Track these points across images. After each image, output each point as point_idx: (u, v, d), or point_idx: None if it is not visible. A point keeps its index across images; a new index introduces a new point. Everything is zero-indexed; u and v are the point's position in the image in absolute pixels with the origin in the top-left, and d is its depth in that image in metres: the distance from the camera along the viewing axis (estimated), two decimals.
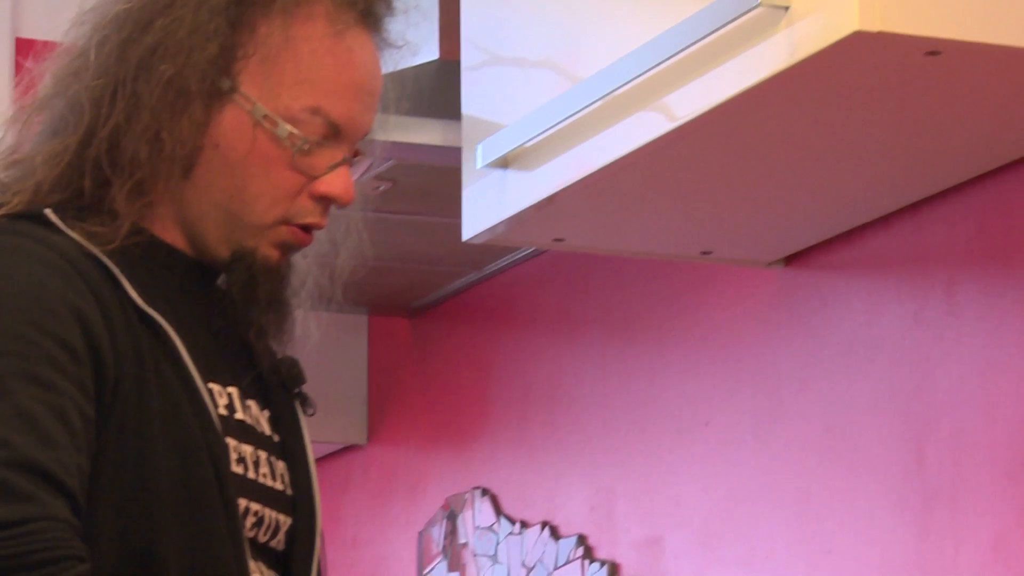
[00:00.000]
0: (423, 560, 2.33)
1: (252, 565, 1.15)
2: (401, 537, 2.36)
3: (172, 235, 1.15)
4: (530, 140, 1.57)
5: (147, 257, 1.13)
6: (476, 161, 1.61)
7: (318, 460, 1.29)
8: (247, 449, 1.16)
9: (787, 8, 1.29)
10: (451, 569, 2.28)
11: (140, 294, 1.10)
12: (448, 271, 2.26)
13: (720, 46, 1.35)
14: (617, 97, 1.47)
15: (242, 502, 1.14)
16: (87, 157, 1.12)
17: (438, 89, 1.84)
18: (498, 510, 2.19)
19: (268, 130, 1.14)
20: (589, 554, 1.99)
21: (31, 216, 1.11)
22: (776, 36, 1.30)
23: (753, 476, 1.79)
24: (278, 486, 1.18)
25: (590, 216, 1.70)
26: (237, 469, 1.14)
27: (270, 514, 1.17)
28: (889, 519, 1.54)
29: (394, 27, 1.24)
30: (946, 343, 1.55)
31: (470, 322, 2.36)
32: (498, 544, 2.19)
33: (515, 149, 1.58)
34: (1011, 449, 1.49)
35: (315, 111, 1.14)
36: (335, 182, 1.14)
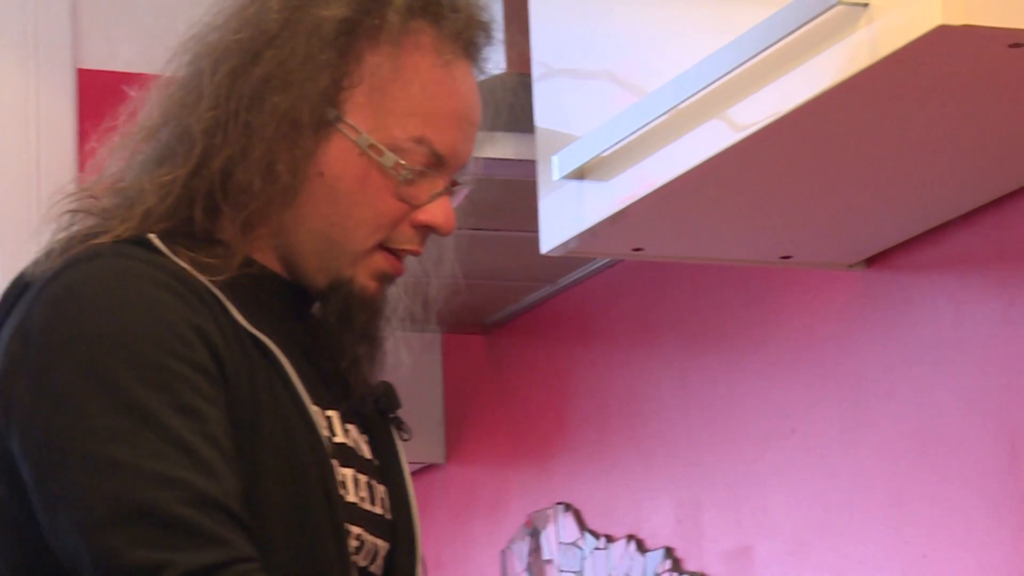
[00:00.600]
0: None
1: None
2: (484, 556, 2.36)
3: (271, 262, 1.17)
4: (606, 150, 1.56)
5: (254, 285, 1.15)
6: (553, 172, 1.61)
7: None
8: (348, 472, 1.17)
9: (866, 5, 1.27)
10: None
11: (246, 319, 1.12)
12: (522, 286, 2.27)
13: (798, 47, 1.34)
14: (694, 104, 1.46)
15: (350, 526, 1.15)
16: (198, 187, 1.14)
17: (507, 102, 1.87)
18: (582, 525, 2.17)
19: (374, 159, 1.15)
20: (677, 567, 1.98)
21: (137, 241, 1.12)
22: (856, 35, 1.28)
23: (842, 483, 1.77)
24: (378, 510, 1.19)
25: (669, 224, 1.69)
26: (343, 490, 1.16)
27: (370, 539, 1.18)
28: (984, 521, 1.52)
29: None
30: None
31: (545, 336, 2.35)
32: (583, 559, 2.17)
33: (591, 160, 1.57)
34: None
35: (420, 141, 1.15)
36: (437, 212, 1.16)
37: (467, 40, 1.21)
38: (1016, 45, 1.24)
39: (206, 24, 1.21)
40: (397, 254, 1.19)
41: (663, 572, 1.99)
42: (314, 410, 1.13)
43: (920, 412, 1.63)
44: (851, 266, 1.76)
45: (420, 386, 2.33)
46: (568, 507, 2.21)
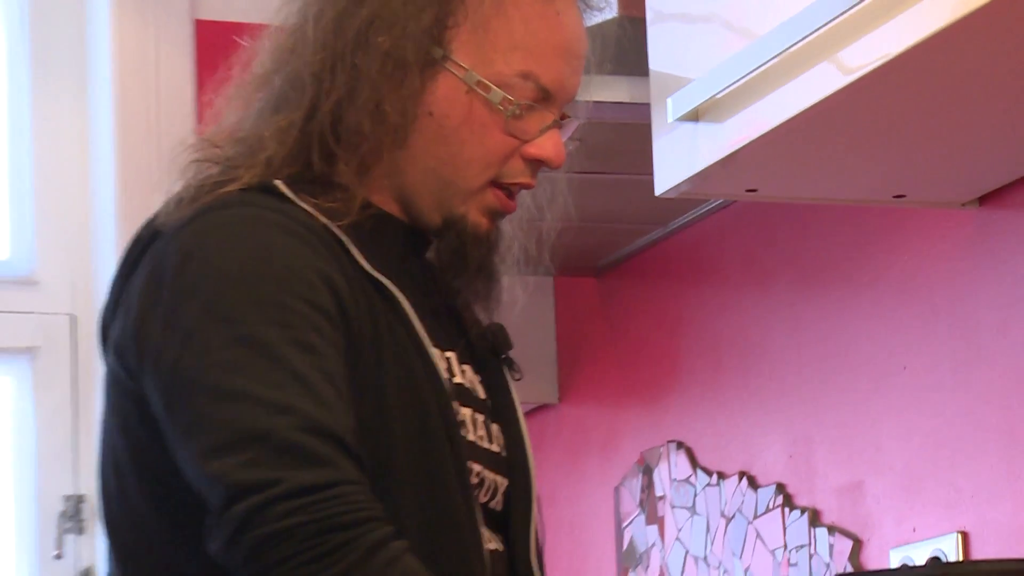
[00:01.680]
0: (620, 515, 2.36)
1: (479, 520, 1.18)
2: (597, 493, 2.38)
3: (389, 204, 1.18)
4: (720, 92, 1.56)
5: (374, 229, 1.16)
6: (667, 115, 1.60)
7: None
8: (466, 412, 1.18)
9: None
10: (649, 522, 2.29)
11: (366, 259, 1.14)
12: (634, 228, 2.26)
13: None
14: (805, 46, 1.46)
15: (470, 463, 1.17)
16: (312, 132, 1.16)
17: (620, 46, 1.86)
18: (694, 462, 2.19)
19: (481, 96, 1.16)
20: (789, 502, 1.99)
21: (263, 188, 1.14)
22: None
23: (954, 419, 1.78)
24: (495, 448, 1.20)
25: (782, 165, 1.69)
26: (463, 428, 1.18)
27: (490, 476, 1.19)
28: None
29: None
30: None
31: (657, 278, 2.35)
32: (695, 496, 2.19)
33: (705, 102, 1.58)
34: None
35: (526, 76, 1.16)
36: (546, 145, 1.17)
37: None
38: None
39: None
40: (509, 191, 1.20)
41: (775, 507, 2.00)
42: (434, 352, 1.14)
43: None
44: (964, 205, 1.75)
45: (533, 328, 2.35)
46: (680, 445, 2.23)
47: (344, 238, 1.13)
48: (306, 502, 1.04)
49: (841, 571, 1.95)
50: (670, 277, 2.34)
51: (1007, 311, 1.73)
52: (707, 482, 2.19)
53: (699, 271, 2.25)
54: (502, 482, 1.21)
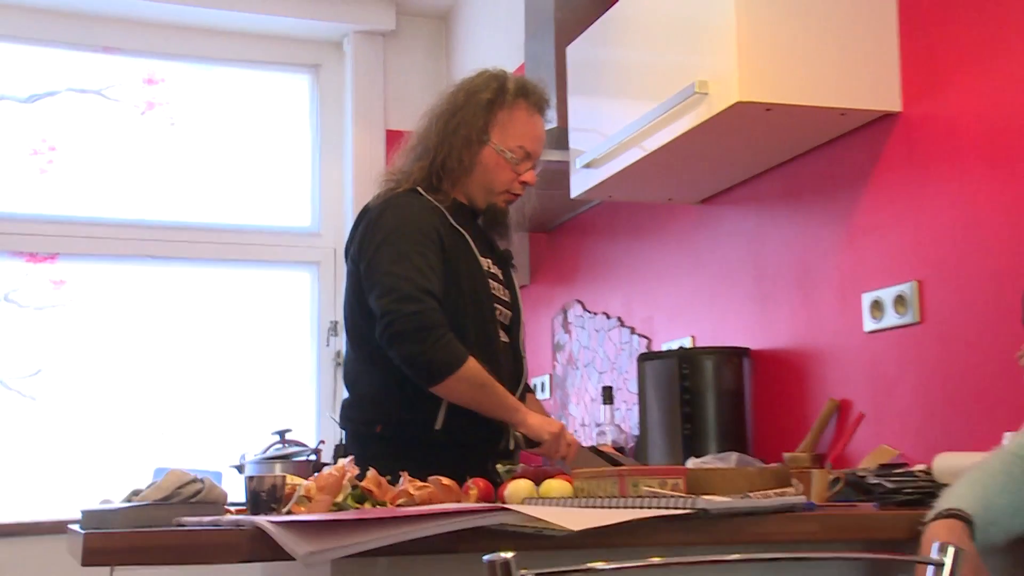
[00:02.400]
0: (554, 329, 3.32)
1: (499, 329, 1.95)
2: (544, 320, 3.39)
3: (462, 198, 1.96)
4: (595, 157, 2.51)
5: (455, 208, 1.94)
6: (576, 165, 2.55)
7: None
8: (496, 284, 1.97)
9: (705, 94, 2.04)
10: (565, 332, 3.29)
11: (454, 221, 1.90)
12: (562, 211, 3.26)
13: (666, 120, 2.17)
14: (628, 139, 2.29)
15: (495, 304, 1.93)
16: (433, 169, 1.95)
17: (556, 137, 2.83)
18: (585, 307, 3.25)
19: (503, 155, 1.93)
20: (622, 323, 3.06)
21: (411, 191, 1.92)
22: (697, 108, 2.12)
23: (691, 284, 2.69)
24: (506, 299, 1.98)
25: (621, 186, 2.59)
26: (493, 292, 1.94)
27: (503, 309, 1.97)
28: None
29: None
30: None
31: (573, 235, 3.36)
32: (585, 322, 3.21)
33: (590, 161, 2.51)
34: None
35: (521, 147, 1.96)
36: (529, 176, 1.99)
37: (541, 107, 2.00)
38: (768, 109, 2.05)
39: (433, 105, 2.01)
40: (514, 194, 1.95)
41: (615, 327, 3.00)
42: (481, 259, 1.89)
43: None
44: (697, 203, 2.57)
45: (520, 254, 3.05)
46: (578, 300, 3.22)
47: (445, 211, 1.85)
48: (409, 319, 1.78)
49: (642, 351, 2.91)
50: (578, 235, 3.42)
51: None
52: (589, 316, 3.31)
53: (591, 233, 3.34)
54: (508, 313, 1.98)
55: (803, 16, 2.15)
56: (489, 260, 2.04)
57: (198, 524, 1.26)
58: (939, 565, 0.98)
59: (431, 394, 1.89)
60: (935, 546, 1.00)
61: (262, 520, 1.15)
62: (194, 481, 1.33)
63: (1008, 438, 1.53)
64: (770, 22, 2.11)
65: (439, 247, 1.91)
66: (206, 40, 4.25)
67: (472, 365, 1.86)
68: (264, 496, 1.32)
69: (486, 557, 0.91)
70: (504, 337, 2.02)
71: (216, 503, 1.34)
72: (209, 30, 4.24)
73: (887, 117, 2.23)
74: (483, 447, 1.95)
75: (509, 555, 0.90)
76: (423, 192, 1.98)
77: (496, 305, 2.01)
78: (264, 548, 1.13)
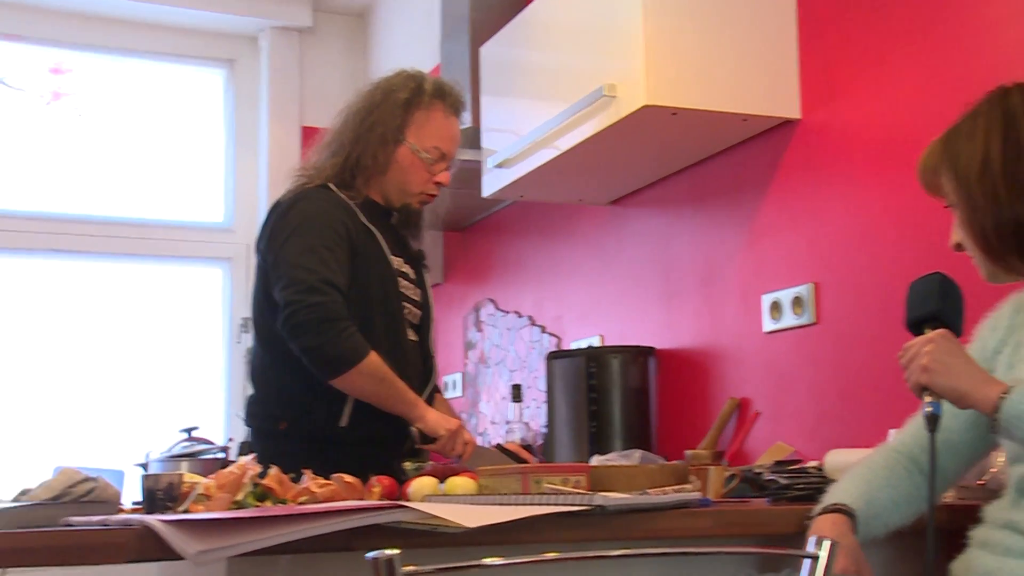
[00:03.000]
0: (466, 327, 3.35)
1: (407, 328, 1.98)
2: (456, 318, 3.40)
3: (376, 196, 1.98)
4: (507, 158, 2.51)
5: (367, 205, 1.95)
6: (488, 164, 2.65)
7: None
8: (406, 283, 1.98)
9: (614, 97, 2.09)
10: (477, 330, 3.32)
11: (365, 219, 1.90)
12: (474, 210, 3.29)
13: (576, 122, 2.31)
14: (540, 140, 2.34)
15: (404, 303, 1.96)
16: (346, 165, 1.98)
17: (469, 137, 2.85)
18: (497, 306, 3.24)
19: (418, 155, 1.95)
20: (533, 322, 3.13)
21: (322, 186, 1.95)
22: (606, 111, 2.15)
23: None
24: (417, 298, 2.01)
25: (533, 186, 2.65)
26: (403, 290, 1.96)
27: (412, 308, 1.99)
28: None
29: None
30: None
31: (484, 234, 3.37)
32: (497, 320, 3.26)
33: (502, 161, 2.61)
34: None
35: (437, 148, 2.00)
36: (443, 176, 2.03)
37: (457, 108, 2.04)
38: (674, 113, 2.14)
39: (350, 102, 2.03)
40: (428, 195, 1.99)
41: (527, 325, 3.04)
42: (391, 257, 1.90)
43: None
44: (608, 203, 2.62)
45: (433, 252, 3.20)
46: (491, 299, 3.24)
47: (355, 208, 1.85)
48: (312, 309, 1.77)
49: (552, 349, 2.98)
50: (491, 234, 3.51)
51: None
52: (501, 314, 3.38)
53: (504, 232, 3.42)
54: (417, 312, 2.00)
55: (708, 24, 2.22)
56: (400, 259, 2.05)
57: (86, 524, 1.23)
58: (814, 558, 1.02)
59: (337, 391, 1.89)
60: (812, 540, 1.04)
61: (151, 519, 1.14)
62: (86, 480, 1.31)
63: (892, 435, 1.57)
64: (676, 28, 2.18)
65: (347, 243, 1.92)
66: (117, 31, 4.22)
67: (373, 359, 1.86)
68: (160, 495, 1.31)
69: (369, 555, 0.90)
70: (413, 336, 2.04)
71: (108, 503, 1.32)
72: (120, 20, 4.21)
73: (786, 124, 2.30)
74: (389, 444, 1.96)
75: (393, 552, 0.89)
76: (335, 188, 2.00)
77: (405, 304, 2.02)
78: (153, 547, 1.12)
